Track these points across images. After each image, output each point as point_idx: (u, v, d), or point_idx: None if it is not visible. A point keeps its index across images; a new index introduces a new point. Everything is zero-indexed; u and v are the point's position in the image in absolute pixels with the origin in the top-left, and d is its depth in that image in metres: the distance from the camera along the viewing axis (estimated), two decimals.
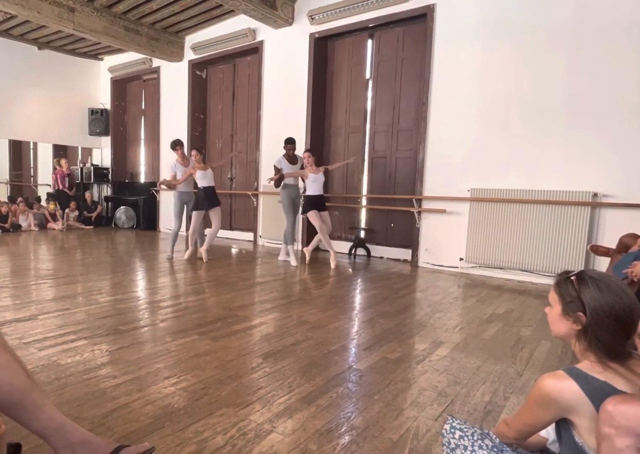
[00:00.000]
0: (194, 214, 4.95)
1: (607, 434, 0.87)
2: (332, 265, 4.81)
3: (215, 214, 5.00)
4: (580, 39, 3.98)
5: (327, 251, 5.08)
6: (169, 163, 5.31)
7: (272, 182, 4.93)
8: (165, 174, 8.03)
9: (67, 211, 8.25)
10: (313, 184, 4.86)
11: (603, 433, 0.88)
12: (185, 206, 5.20)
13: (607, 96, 3.88)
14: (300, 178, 5.17)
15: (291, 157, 5.13)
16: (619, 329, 0.95)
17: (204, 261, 4.92)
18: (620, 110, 3.82)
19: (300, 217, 5.34)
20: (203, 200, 4.87)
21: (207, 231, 5.17)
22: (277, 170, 4.99)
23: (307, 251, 5.06)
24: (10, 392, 1.04)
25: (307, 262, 4.99)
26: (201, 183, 4.90)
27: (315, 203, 4.85)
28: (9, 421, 1.14)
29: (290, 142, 5.12)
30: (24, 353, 2.13)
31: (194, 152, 4.92)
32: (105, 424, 1.51)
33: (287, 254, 5.15)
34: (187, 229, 5.46)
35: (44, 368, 1.96)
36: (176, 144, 5.21)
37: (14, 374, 1.06)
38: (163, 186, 5.10)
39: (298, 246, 6.24)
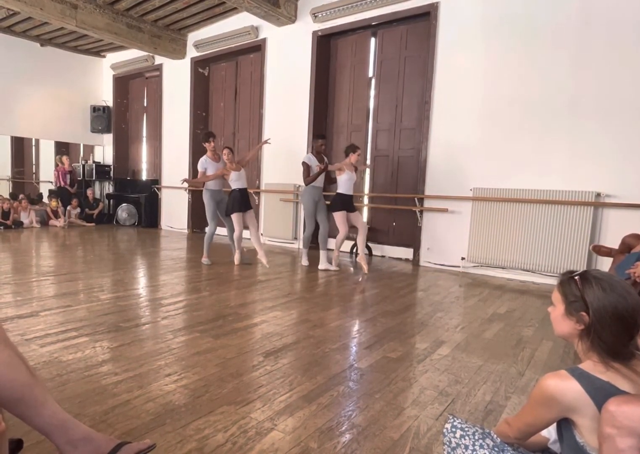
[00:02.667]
0: (234, 217, 4.58)
1: (609, 434, 0.87)
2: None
3: (251, 216, 4.70)
4: (585, 38, 3.96)
5: (330, 250, 4.93)
6: (199, 160, 4.87)
7: (310, 176, 4.53)
8: (169, 170, 8.11)
9: (68, 208, 8.26)
10: (348, 183, 4.48)
11: (605, 433, 0.88)
12: (217, 205, 4.80)
13: (612, 96, 3.86)
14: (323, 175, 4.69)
15: (319, 154, 4.70)
16: (622, 330, 0.95)
17: (234, 262, 4.68)
18: (624, 109, 3.81)
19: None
20: (239, 202, 4.54)
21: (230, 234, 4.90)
22: (307, 167, 4.58)
23: (363, 260, 4.49)
24: (13, 388, 1.05)
25: (366, 271, 4.42)
26: (235, 185, 4.55)
27: (346, 203, 4.49)
28: (11, 418, 1.14)
29: (321, 137, 4.71)
30: (26, 349, 2.13)
31: (225, 151, 4.55)
32: (106, 421, 1.52)
33: (330, 262, 4.69)
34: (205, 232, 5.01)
35: (46, 365, 1.97)
36: (209, 136, 4.74)
37: (16, 371, 1.06)
38: (185, 184, 4.70)
39: (299, 244, 6.24)
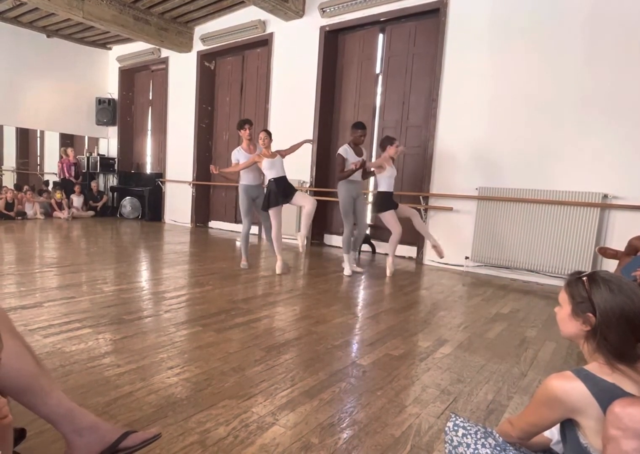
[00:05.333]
0: (272, 213, 4.01)
1: (614, 436, 0.86)
2: (388, 273, 4.18)
3: (299, 198, 4.08)
4: (595, 37, 3.92)
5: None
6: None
7: (347, 171, 4.01)
8: (173, 164, 8.12)
9: (72, 196, 8.30)
10: (389, 180, 4.06)
11: (610, 435, 0.87)
12: (253, 201, 4.33)
13: (621, 96, 3.82)
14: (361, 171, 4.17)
15: (358, 147, 4.17)
16: (629, 332, 0.94)
17: (279, 271, 4.02)
18: (634, 110, 3.77)
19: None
20: (276, 194, 3.97)
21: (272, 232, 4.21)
22: (342, 160, 4.06)
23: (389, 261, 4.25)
24: (19, 378, 1.06)
25: (389, 274, 4.20)
26: (270, 174, 3.99)
27: (392, 201, 4.09)
28: (14, 406, 1.14)
29: (361, 127, 4.10)
30: (29, 339, 2.14)
31: (262, 134, 3.97)
32: (108, 412, 1.52)
33: (352, 264, 4.35)
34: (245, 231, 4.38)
35: (49, 355, 1.97)
36: (244, 123, 4.18)
37: (23, 360, 1.07)
38: (215, 172, 4.11)
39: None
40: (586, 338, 1.01)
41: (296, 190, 4.12)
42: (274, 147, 4.23)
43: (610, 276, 1.00)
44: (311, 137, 4.46)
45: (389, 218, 4.06)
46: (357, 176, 4.16)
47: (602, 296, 0.96)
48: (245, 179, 4.25)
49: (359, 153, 4.17)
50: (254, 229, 6.94)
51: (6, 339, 1.07)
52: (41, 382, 1.09)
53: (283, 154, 4.18)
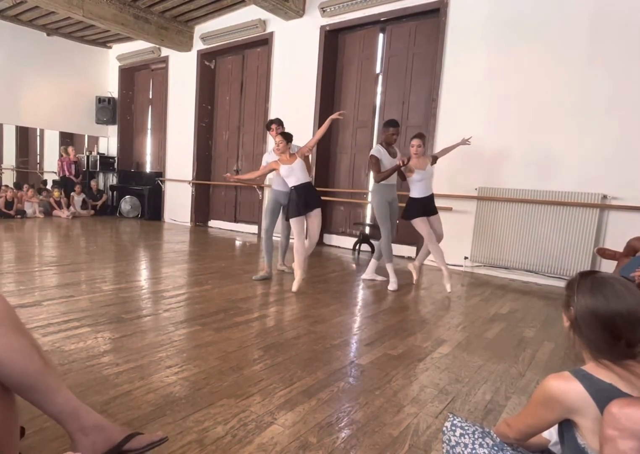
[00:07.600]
0: (292, 223, 3.59)
1: (611, 436, 0.86)
2: (448, 288, 3.63)
3: (313, 219, 3.63)
4: (595, 38, 3.92)
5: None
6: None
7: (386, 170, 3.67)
8: (173, 163, 8.11)
9: (72, 194, 8.30)
10: (419, 184, 3.69)
11: (607, 435, 0.87)
12: (281, 207, 3.96)
13: (621, 97, 3.82)
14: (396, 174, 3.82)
15: (390, 146, 3.84)
16: (602, 330, 0.95)
17: (296, 282, 3.49)
18: (633, 111, 3.77)
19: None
20: (296, 203, 3.54)
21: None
22: (377, 161, 3.71)
23: (415, 267, 4.01)
24: (24, 375, 1.05)
25: (415, 281, 3.98)
26: (290, 182, 3.57)
27: (424, 207, 3.74)
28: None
29: (393, 125, 3.73)
30: None
31: (278, 139, 3.56)
32: (107, 411, 1.52)
33: (376, 271, 4.04)
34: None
35: (48, 354, 1.97)
36: (271, 123, 3.73)
37: (29, 358, 1.07)
38: (231, 179, 3.85)
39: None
40: (573, 331, 1.02)
41: (320, 203, 3.66)
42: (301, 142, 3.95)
43: (606, 276, 1.00)
44: (344, 111, 3.97)
45: (419, 225, 3.73)
46: (393, 178, 3.82)
47: (582, 292, 0.99)
48: (277, 184, 3.90)
49: (392, 154, 3.83)
50: (254, 229, 6.95)
51: (11, 336, 1.07)
52: (47, 380, 1.09)
53: (307, 148, 3.67)
